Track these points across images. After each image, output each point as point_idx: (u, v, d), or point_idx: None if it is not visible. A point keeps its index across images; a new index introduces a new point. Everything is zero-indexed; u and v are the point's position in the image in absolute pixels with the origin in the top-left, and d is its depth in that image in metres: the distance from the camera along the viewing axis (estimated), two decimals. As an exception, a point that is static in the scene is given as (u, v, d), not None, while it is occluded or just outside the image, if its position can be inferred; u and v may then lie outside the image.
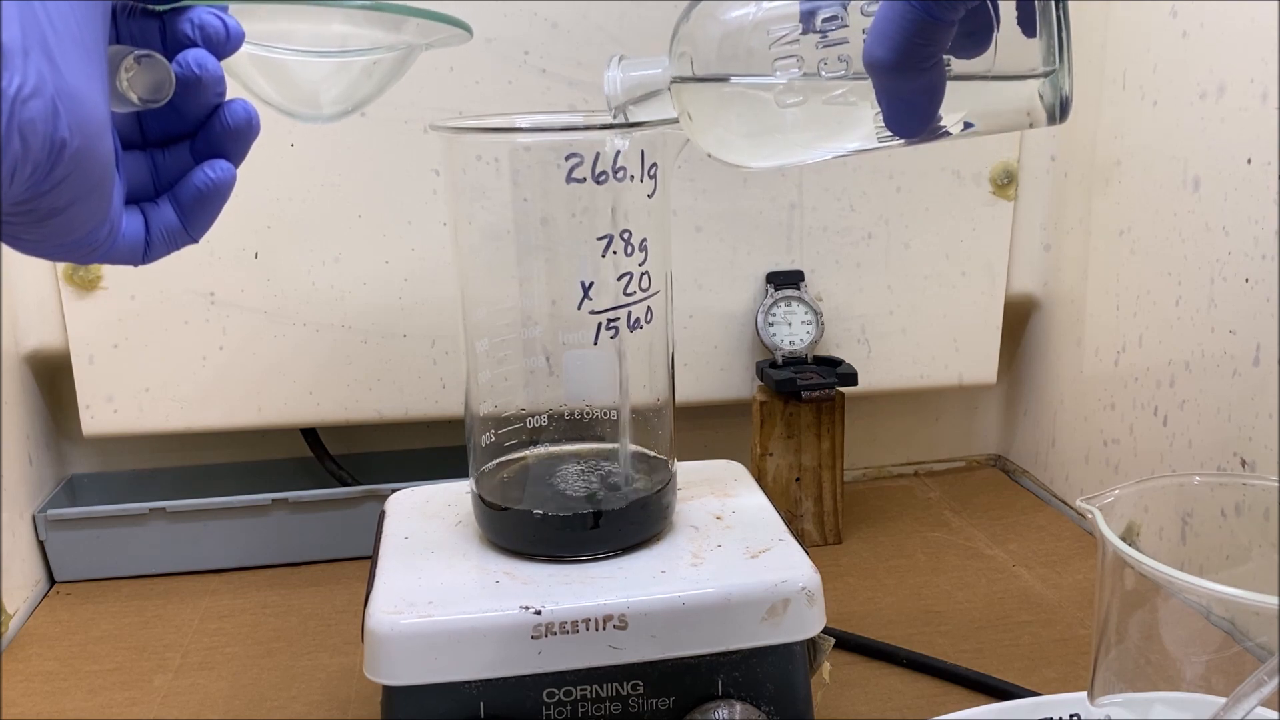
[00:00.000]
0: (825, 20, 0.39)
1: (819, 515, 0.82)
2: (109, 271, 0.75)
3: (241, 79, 0.43)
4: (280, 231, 0.76)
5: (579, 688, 0.50)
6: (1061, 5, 0.38)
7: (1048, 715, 0.51)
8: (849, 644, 0.68)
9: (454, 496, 0.62)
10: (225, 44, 0.36)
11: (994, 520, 0.87)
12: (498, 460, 0.56)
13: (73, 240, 0.33)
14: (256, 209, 0.76)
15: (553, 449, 0.57)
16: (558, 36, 0.76)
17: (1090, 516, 0.44)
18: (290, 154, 0.75)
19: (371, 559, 0.56)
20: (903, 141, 0.41)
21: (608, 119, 0.49)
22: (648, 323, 0.53)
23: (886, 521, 0.86)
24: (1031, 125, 0.40)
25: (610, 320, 0.52)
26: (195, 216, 0.37)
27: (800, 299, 0.82)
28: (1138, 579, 0.44)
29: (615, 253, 0.51)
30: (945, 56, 0.38)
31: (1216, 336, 0.68)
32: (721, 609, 0.50)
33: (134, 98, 0.33)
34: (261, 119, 0.38)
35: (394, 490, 0.64)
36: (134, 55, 0.33)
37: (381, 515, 0.61)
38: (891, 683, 0.65)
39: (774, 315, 0.82)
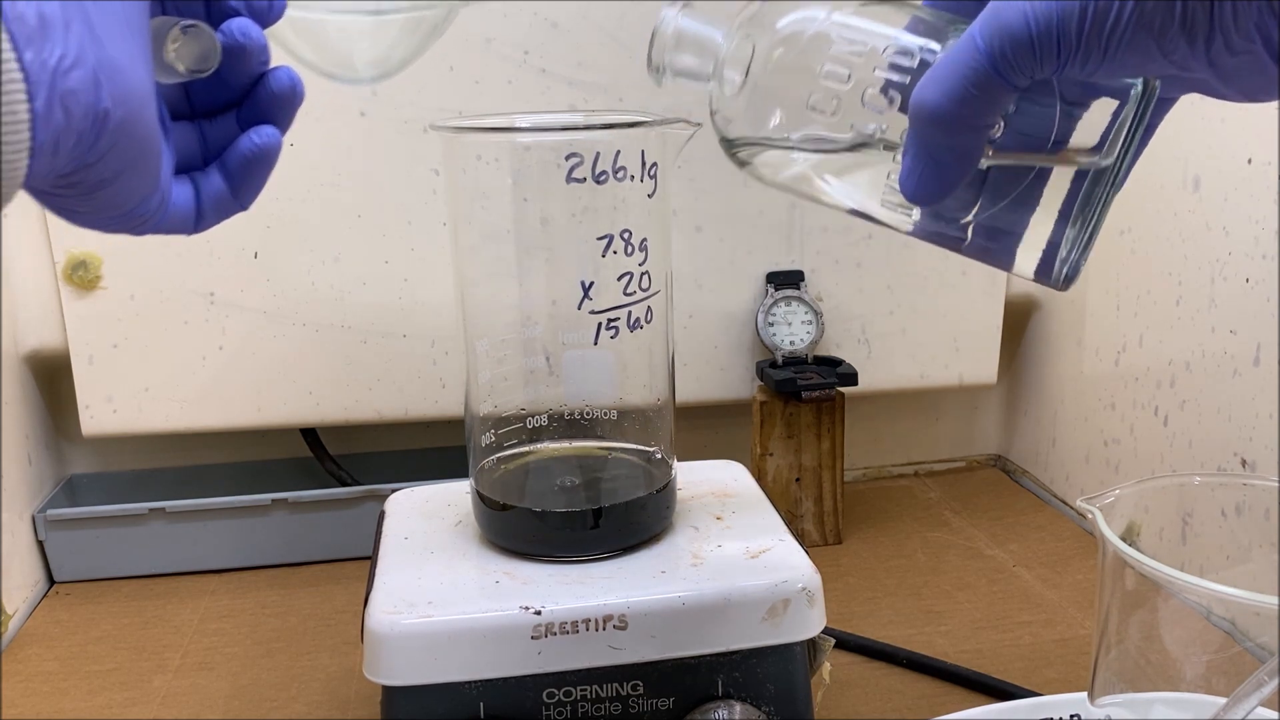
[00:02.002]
0: (897, 53, 0.36)
1: (819, 515, 0.82)
2: (109, 271, 0.75)
3: (279, 41, 0.43)
4: (280, 231, 0.76)
5: (579, 688, 0.50)
6: (1105, 195, 0.35)
7: (1048, 715, 0.51)
8: (849, 644, 0.68)
9: (454, 496, 0.62)
10: (269, 13, 0.36)
11: (994, 520, 0.87)
12: (498, 460, 0.56)
13: (124, 211, 0.33)
14: (256, 209, 0.75)
15: (553, 449, 0.57)
16: (558, 36, 0.76)
17: (1090, 516, 0.44)
18: (290, 154, 0.75)
19: (371, 559, 0.56)
20: (905, 216, 0.38)
21: (608, 119, 0.49)
22: (648, 323, 0.53)
23: (887, 522, 0.86)
24: (1015, 273, 0.38)
25: (610, 320, 0.52)
26: (243, 183, 0.37)
27: (800, 299, 0.82)
28: (1138, 579, 0.44)
29: (615, 252, 0.51)
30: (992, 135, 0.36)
31: (1217, 336, 0.68)
32: (721, 609, 0.50)
33: (181, 68, 0.34)
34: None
35: (394, 490, 0.64)
36: (180, 25, 0.33)
37: (381, 515, 0.61)
38: (891, 683, 0.64)
39: (774, 315, 0.82)
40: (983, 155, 0.35)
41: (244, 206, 0.37)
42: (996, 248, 0.38)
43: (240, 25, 0.35)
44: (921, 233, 0.39)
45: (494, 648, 0.49)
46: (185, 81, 0.35)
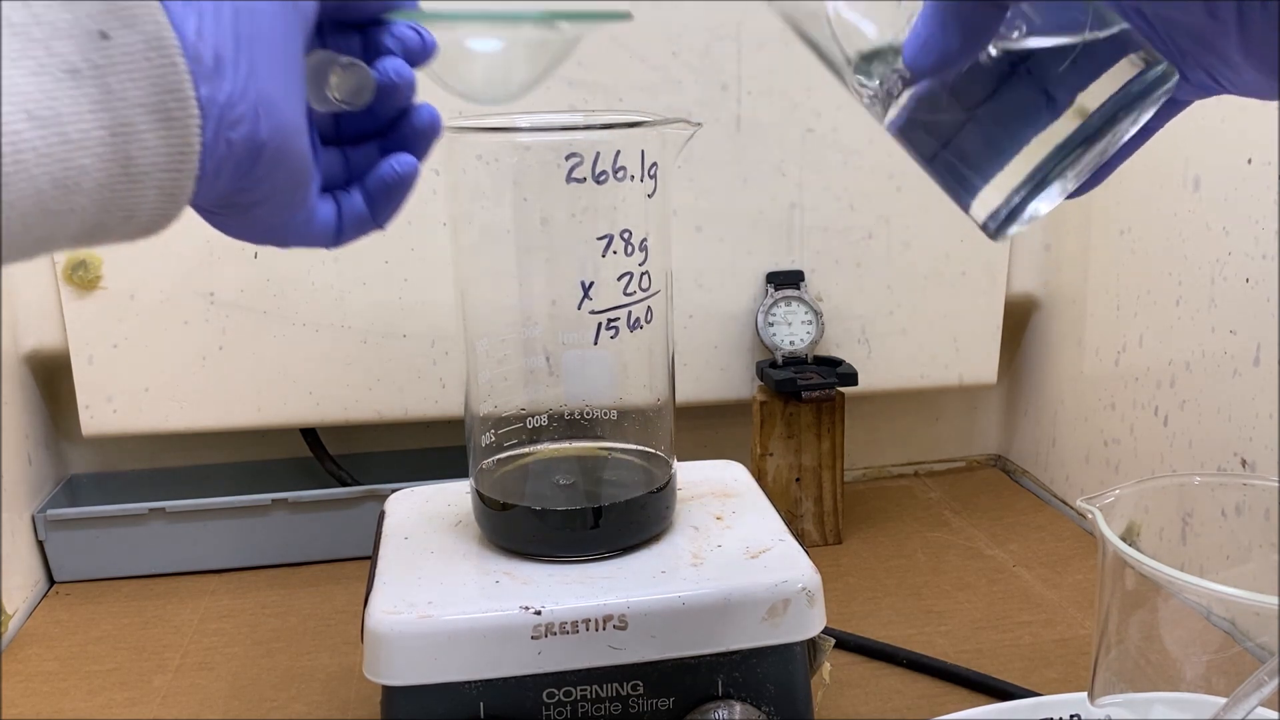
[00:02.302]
0: None
1: (819, 515, 0.82)
2: (109, 271, 0.75)
3: None
4: (280, 231, 0.76)
5: (579, 688, 0.50)
6: (1066, 155, 0.34)
7: (1048, 715, 0.51)
8: (849, 644, 0.68)
9: (454, 496, 0.62)
10: (420, 54, 0.39)
11: (994, 520, 0.87)
12: (498, 460, 0.56)
13: (273, 228, 0.36)
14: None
15: (553, 449, 0.57)
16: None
17: (1090, 516, 0.44)
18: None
19: (371, 559, 0.56)
20: (897, 86, 0.36)
21: (608, 119, 0.49)
22: (648, 323, 0.53)
23: (887, 522, 0.86)
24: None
25: (610, 320, 0.52)
26: (382, 205, 0.40)
27: (800, 299, 0.82)
28: (1138, 579, 0.44)
29: (615, 252, 0.51)
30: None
31: (1217, 336, 0.68)
32: (721, 609, 0.50)
33: (338, 100, 0.37)
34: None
35: (394, 490, 0.64)
36: (339, 62, 0.37)
37: (381, 515, 0.61)
38: (891, 683, 0.64)
39: (774, 315, 0.82)
40: (994, 38, 0.33)
41: (380, 226, 0.40)
42: (963, 174, 0.36)
43: (395, 65, 0.38)
44: (901, 121, 0.37)
45: (494, 648, 0.49)
46: (337, 111, 0.38)
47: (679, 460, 0.58)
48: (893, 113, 0.37)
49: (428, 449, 0.89)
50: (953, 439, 0.98)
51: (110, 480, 0.85)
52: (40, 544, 0.78)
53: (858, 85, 0.37)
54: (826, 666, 0.55)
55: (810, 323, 0.82)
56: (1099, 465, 0.83)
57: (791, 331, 0.82)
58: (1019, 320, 0.93)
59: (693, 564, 0.53)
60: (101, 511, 0.77)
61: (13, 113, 0.25)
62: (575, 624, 0.49)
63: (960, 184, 0.36)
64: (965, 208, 0.36)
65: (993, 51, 0.34)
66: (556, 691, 0.50)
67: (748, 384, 0.85)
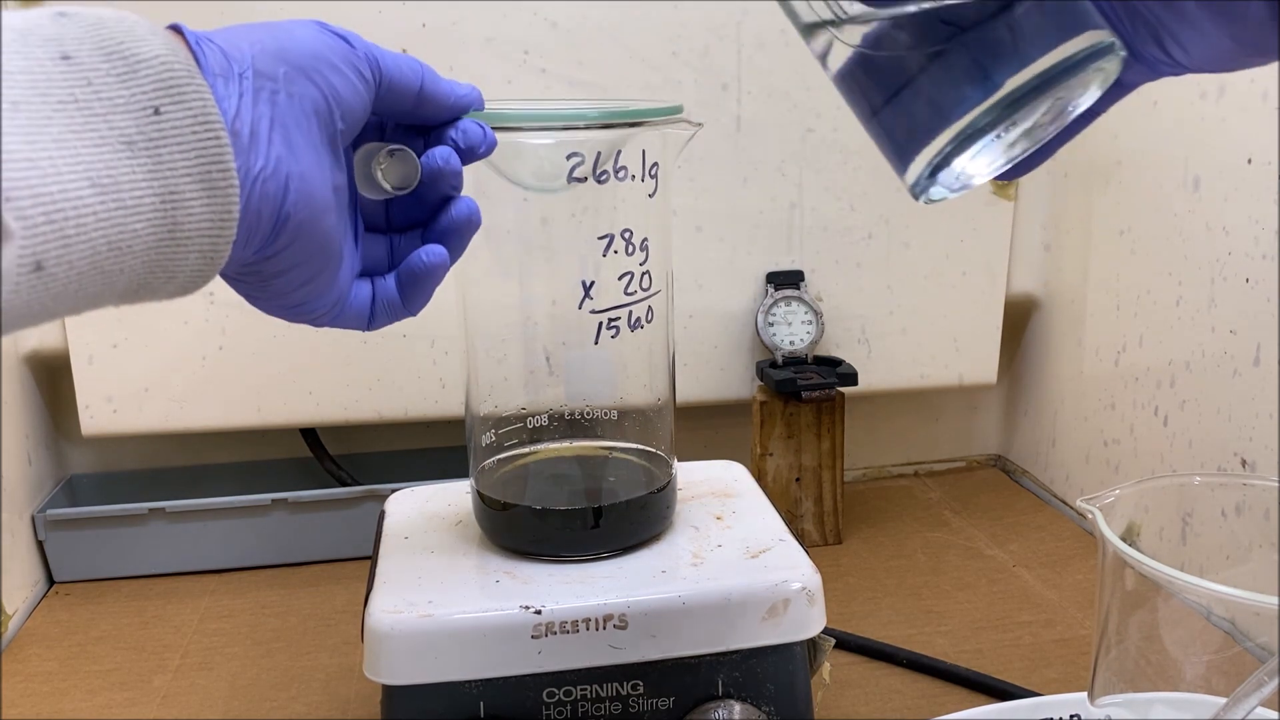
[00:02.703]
0: None
1: (819, 515, 0.82)
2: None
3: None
4: (280, 231, 0.76)
5: (579, 687, 0.50)
6: (983, 121, 0.33)
7: (1048, 715, 0.51)
8: (849, 644, 0.68)
9: (454, 496, 0.62)
10: (481, 147, 0.42)
11: (994, 520, 0.87)
12: (498, 460, 0.56)
13: (297, 303, 0.38)
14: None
15: (553, 449, 0.57)
16: (557, 36, 0.76)
17: (1090, 516, 0.44)
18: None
19: (371, 559, 0.56)
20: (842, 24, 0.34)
21: (608, 111, 0.49)
22: (648, 322, 0.53)
23: (886, 522, 0.86)
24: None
25: (610, 320, 0.52)
26: (411, 293, 0.42)
27: (800, 299, 0.82)
28: (1138, 579, 0.44)
29: (616, 252, 0.51)
30: None
31: (1217, 336, 0.68)
32: (721, 609, 0.50)
33: (385, 185, 0.39)
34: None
35: (394, 490, 0.64)
36: (387, 149, 0.39)
37: (381, 515, 0.61)
38: (891, 683, 0.65)
39: (774, 315, 0.82)
40: None
41: (412, 313, 0.42)
42: (904, 135, 0.35)
43: (443, 153, 0.41)
44: (849, 71, 0.36)
45: (494, 647, 0.49)
46: (386, 199, 0.41)
47: (679, 460, 0.58)
48: (838, 57, 0.36)
49: (428, 449, 0.89)
50: (953, 439, 0.98)
51: (110, 480, 0.85)
52: (40, 544, 0.78)
53: (809, 31, 0.36)
54: (826, 666, 0.55)
55: (810, 323, 0.82)
56: (1099, 465, 0.83)
57: (791, 331, 0.82)
58: (1019, 320, 0.93)
59: (693, 564, 0.53)
60: (101, 511, 0.77)
61: (77, 180, 0.27)
62: (575, 623, 0.49)
63: (899, 144, 0.36)
64: (901, 171, 0.36)
65: (923, 6, 0.33)
66: (556, 691, 0.50)
67: (748, 384, 0.85)
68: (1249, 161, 0.65)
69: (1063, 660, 0.66)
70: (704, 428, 0.91)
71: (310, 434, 0.84)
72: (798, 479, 0.81)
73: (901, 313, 0.86)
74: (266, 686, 0.65)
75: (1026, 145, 0.35)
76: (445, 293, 0.81)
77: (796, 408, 0.79)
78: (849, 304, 0.85)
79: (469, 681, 0.49)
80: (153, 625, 0.73)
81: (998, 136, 0.33)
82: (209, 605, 0.75)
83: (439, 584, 0.52)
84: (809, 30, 0.36)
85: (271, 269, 0.36)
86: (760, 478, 0.79)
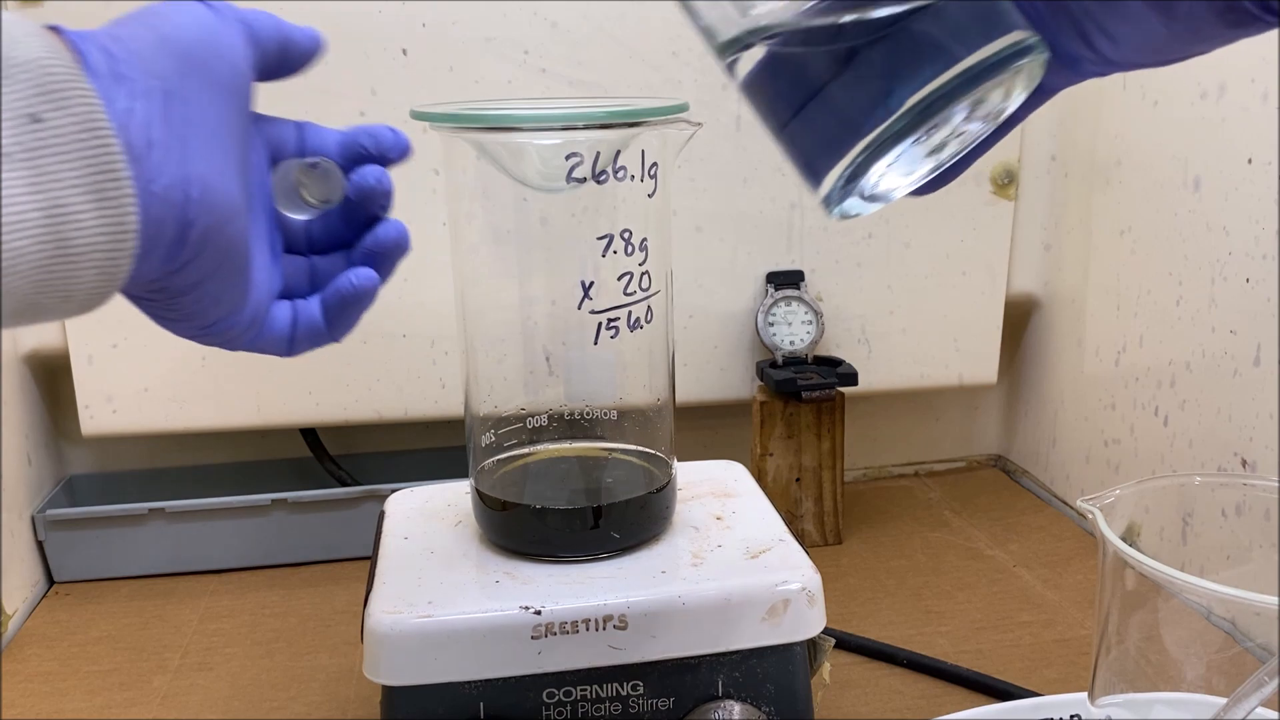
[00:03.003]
0: None
1: (819, 515, 0.82)
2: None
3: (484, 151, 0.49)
4: (280, 231, 0.76)
5: (579, 688, 0.50)
6: (890, 131, 0.30)
7: (1048, 716, 0.51)
8: (849, 644, 0.68)
9: (454, 497, 0.62)
10: (390, 153, 0.40)
11: (994, 520, 0.86)
12: (497, 460, 0.56)
13: (210, 322, 0.36)
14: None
15: (553, 449, 0.57)
16: (557, 36, 0.76)
17: (1091, 517, 0.44)
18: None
19: (371, 559, 0.56)
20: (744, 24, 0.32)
21: (608, 110, 0.49)
22: (648, 322, 0.53)
23: (887, 522, 0.86)
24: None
25: (610, 320, 0.52)
26: (337, 318, 0.39)
27: (800, 299, 0.82)
28: (1138, 579, 0.44)
29: (615, 252, 0.51)
30: None
31: (1217, 336, 0.68)
32: (721, 609, 0.50)
33: (311, 200, 0.37)
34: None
35: (393, 490, 0.64)
36: (308, 163, 0.37)
37: (381, 515, 0.61)
38: (892, 683, 0.64)
39: (774, 315, 0.82)
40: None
41: (335, 339, 0.40)
42: (816, 144, 0.33)
43: (375, 172, 0.39)
44: (757, 78, 0.33)
45: (494, 648, 0.49)
46: (308, 220, 0.39)
47: (679, 460, 0.58)
48: (745, 65, 0.33)
49: (428, 449, 0.89)
50: (953, 439, 0.98)
51: (110, 480, 0.85)
52: (40, 544, 0.78)
53: (725, 50, 0.33)
54: (826, 667, 0.54)
55: (810, 323, 0.82)
56: (1099, 465, 0.83)
57: (791, 331, 0.82)
58: (1019, 320, 0.93)
59: (693, 564, 0.53)
60: (101, 511, 0.77)
61: None
62: (575, 624, 0.49)
63: (810, 155, 0.33)
64: (814, 183, 0.34)
65: (846, 19, 0.31)
66: (556, 691, 0.50)
67: (748, 384, 0.85)
68: (1249, 161, 0.65)
69: (1063, 660, 0.66)
70: (704, 428, 0.91)
71: (310, 434, 0.84)
72: (798, 479, 0.81)
73: (901, 313, 0.86)
74: (266, 687, 0.65)
75: (946, 155, 0.33)
76: (445, 292, 0.81)
77: (796, 408, 0.79)
78: (849, 304, 0.85)
79: (469, 682, 0.49)
80: (152, 625, 0.73)
81: (914, 144, 0.31)
82: (209, 605, 0.75)
83: (439, 584, 0.52)
84: (725, 49, 0.33)
85: (179, 284, 0.33)
86: (760, 478, 0.79)
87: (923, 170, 0.33)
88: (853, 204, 0.33)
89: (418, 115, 0.48)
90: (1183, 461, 0.72)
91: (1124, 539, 0.44)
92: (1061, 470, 0.90)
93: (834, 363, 0.80)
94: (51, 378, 0.82)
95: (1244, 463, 0.66)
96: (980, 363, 0.88)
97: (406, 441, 0.89)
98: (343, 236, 0.40)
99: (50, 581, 0.79)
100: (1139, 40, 0.30)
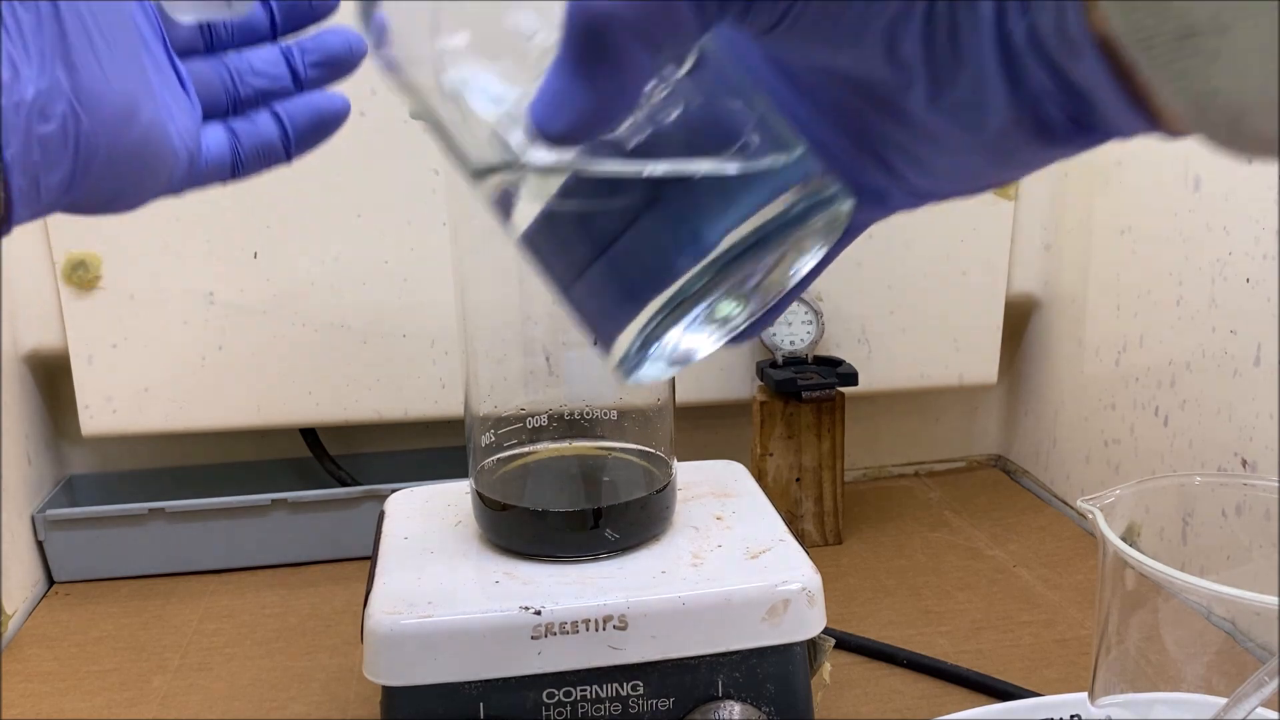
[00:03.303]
0: None
1: (819, 515, 0.82)
2: (108, 271, 0.75)
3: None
4: (280, 231, 0.76)
5: (579, 688, 0.50)
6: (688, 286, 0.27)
7: (1048, 716, 0.51)
8: (849, 644, 0.68)
9: (453, 497, 0.62)
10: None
11: (994, 520, 0.86)
12: (497, 460, 0.56)
13: (149, 197, 0.33)
14: (256, 208, 0.76)
15: (553, 449, 0.57)
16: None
17: (1091, 517, 0.44)
18: (290, 154, 0.75)
19: (371, 559, 0.56)
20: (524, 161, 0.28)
21: None
22: (648, 322, 0.53)
23: (887, 522, 0.86)
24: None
25: (610, 320, 0.52)
26: (304, 139, 0.36)
27: (800, 299, 0.82)
28: (1138, 579, 0.44)
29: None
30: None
31: (1217, 336, 0.68)
32: (721, 609, 0.50)
33: (189, 18, 0.33)
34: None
35: (393, 491, 0.64)
36: None
37: (381, 516, 0.61)
38: (892, 683, 0.64)
39: (774, 315, 0.82)
40: (643, 96, 0.27)
41: (290, 160, 0.37)
42: (605, 304, 0.29)
43: None
44: (537, 231, 0.30)
45: (494, 648, 0.49)
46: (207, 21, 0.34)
47: (679, 460, 0.58)
48: (524, 214, 0.30)
49: (428, 449, 0.89)
50: (953, 439, 0.98)
51: (110, 480, 0.85)
52: (40, 544, 0.77)
53: (480, 176, 0.30)
54: (827, 667, 0.54)
55: (810, 323, 0.82)
56: (1099, 465, 0.83)
57: (791, 331, 0.82)
58: (1019, 320, 0.93)
59: (693, 564, 0.53)
60: (101, 512, 0.77)
61: None
62: (575, 624, 0.49)
63: (599, 316, 0.30)
64: (604, 346, 0.30)
65: (646, 173, 0.28)
66: (556, 692, 0.50)
67: (748, 384, 0.85)
68: (1249, 161, 0.65)
69: (1063, 660, 0.66)
70: (704, 428, 0.91)
71: (310, 434, 0.84)
72: (798, 479, 0.81)
73: (902, 312, 0.86)
74: (266, 687, 0.65)
75: (752, 308, 0.30)
76: (445, 293, 0.81)
77: (797, 408, 0.79)
78: (849, 304, 0.85)
79: (468, 682, 0.49)
80: (152, 625, 0.73)
81: (716, 302, 0.28)
82: (208, 605, 0.75)
83: (438, 585, 0.52)
84: (480, 175, 0.30)
85: (100, 197, 0.31)
86: (760, 478, 0.78)
87: (730, 325, 0.30)
88: (651, 370, 0.30)
89: (417, 114, 0.48)
90: (1183, 461, 0.72)
91: (1124, 539, 0.44)
92: (1062, 470, 0.90)
93: (834, 363, 0.80)
94: (51, 377, 0.82)
95: (1244, 463, 0.66)
96: (980, 363, 0.88)
97: (406, 441, 0.89)
98: (256, 30, 0.36)
99: (50, 581, 0.79)
100: (950, 168, 0.29)
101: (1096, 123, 0.26)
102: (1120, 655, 0.46)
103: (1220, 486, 0.49)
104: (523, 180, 0.29)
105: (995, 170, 0.28)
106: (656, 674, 0.51)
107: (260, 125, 0.36)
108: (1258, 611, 0.39)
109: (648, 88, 0.27)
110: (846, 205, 0.29)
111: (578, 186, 0.28)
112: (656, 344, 0.29)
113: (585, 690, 0.50)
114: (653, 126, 0.27)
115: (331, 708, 0.63)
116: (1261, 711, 0.38)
